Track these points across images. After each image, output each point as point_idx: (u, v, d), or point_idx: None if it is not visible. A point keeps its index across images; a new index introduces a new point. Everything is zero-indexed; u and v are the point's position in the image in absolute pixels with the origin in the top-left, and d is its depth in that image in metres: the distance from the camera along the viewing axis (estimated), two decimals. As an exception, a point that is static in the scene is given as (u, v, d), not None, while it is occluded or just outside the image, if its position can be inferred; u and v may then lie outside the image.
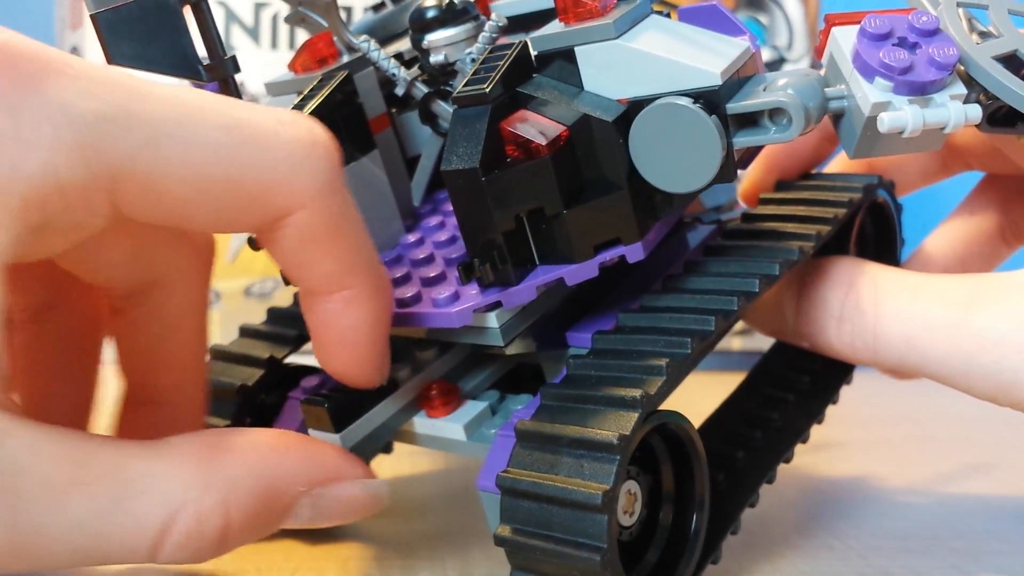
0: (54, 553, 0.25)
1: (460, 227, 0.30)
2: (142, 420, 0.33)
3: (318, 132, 0.28)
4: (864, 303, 0.34)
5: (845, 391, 0.40)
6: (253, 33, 0.77)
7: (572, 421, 0.28)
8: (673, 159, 0.29)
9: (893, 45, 0.29)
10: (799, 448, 0.37)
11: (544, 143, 0.29)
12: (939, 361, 0.32)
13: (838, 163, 0.43)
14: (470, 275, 0.30)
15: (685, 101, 0.28)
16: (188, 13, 0.30)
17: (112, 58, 0.29)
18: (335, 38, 0.36)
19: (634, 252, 0.30)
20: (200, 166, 0.26)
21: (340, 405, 0.33)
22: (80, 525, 0.25)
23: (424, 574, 0.33)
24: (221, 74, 0.31)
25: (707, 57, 0.29)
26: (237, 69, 0.31)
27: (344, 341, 0.30)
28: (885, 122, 0.29)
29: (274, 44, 0.78)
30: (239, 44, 0.76)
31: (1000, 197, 0.39)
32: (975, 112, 0.29)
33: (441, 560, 0.34)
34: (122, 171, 0.25)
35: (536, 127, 0.29)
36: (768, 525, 0.38)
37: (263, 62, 0.77)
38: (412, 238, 0.35)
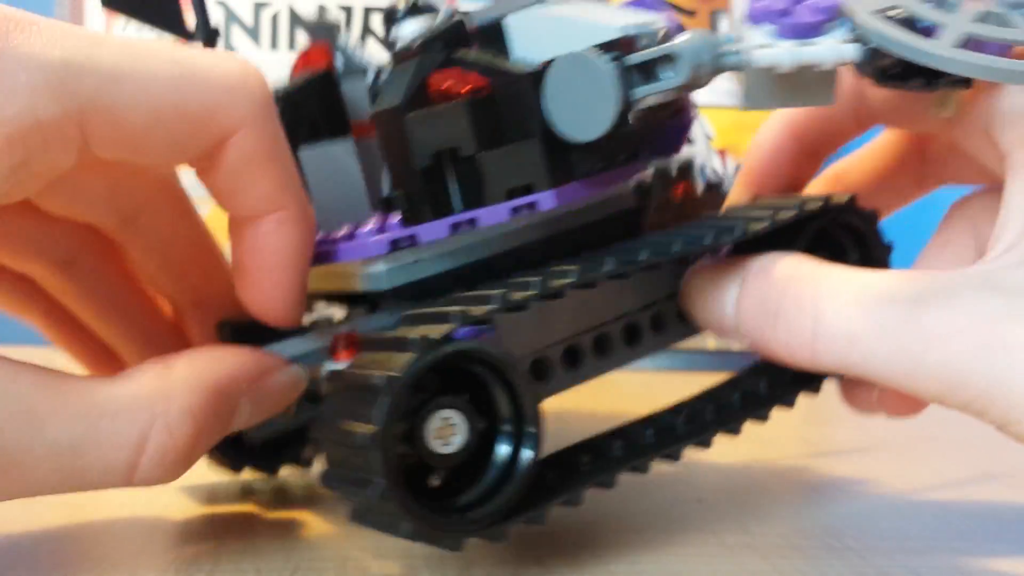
0: (35, 476, 0.28)
1: (388, 168, 0.34)
2: (193, 323, 0.39)
3: (251, 67, 0.32)
4: (803, 300, 0.32)
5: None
6: (253, 33, 0.77)
7: (368, 366, 0.30)
8: (576, 108, 0.32)
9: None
10: (799, 448, 0.37)
11: (463, 89, 0.32)
12: (884, 361, 0.30)
13: (817, 184, 0.42)
14: (390, 207, 0.34)
15: (585, 51, 0.31)
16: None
17: (104, 1, 0.34)
18: (336, 51, 0.38)
19: (545, 200, 0.33)
20: (153, 97, 0.30)
21: (245, 329, 0.35)
22: (59, 447, 0.28)
23: (424, 574, 0.33)
24: (203, 38, 0.35)
25: (614, 18, 0.33)
26: (217, 37, 0.36)
27: (271, 266, 0.33)
28: (758, 57, 0.30)
29: (274, 44, 0.79)
30: (239, 44, 0.77)
31: (971, 223, 0.38)
32: (851, 51, 0.29)
33: (441, 560, 0.34)
34: (89, 106, 0.28)
35: (459, 79, 0.33)
36: (767, 525, 0.38)
37: (263, 62, 0.78)
38: (373, 223, 0.36)
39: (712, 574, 0.33)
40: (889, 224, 0.40)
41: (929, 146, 0.40)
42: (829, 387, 0.39)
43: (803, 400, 0.38)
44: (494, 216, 0.33)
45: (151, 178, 0.37)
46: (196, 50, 0.32)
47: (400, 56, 0.34)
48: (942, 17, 0.29)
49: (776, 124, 0.41)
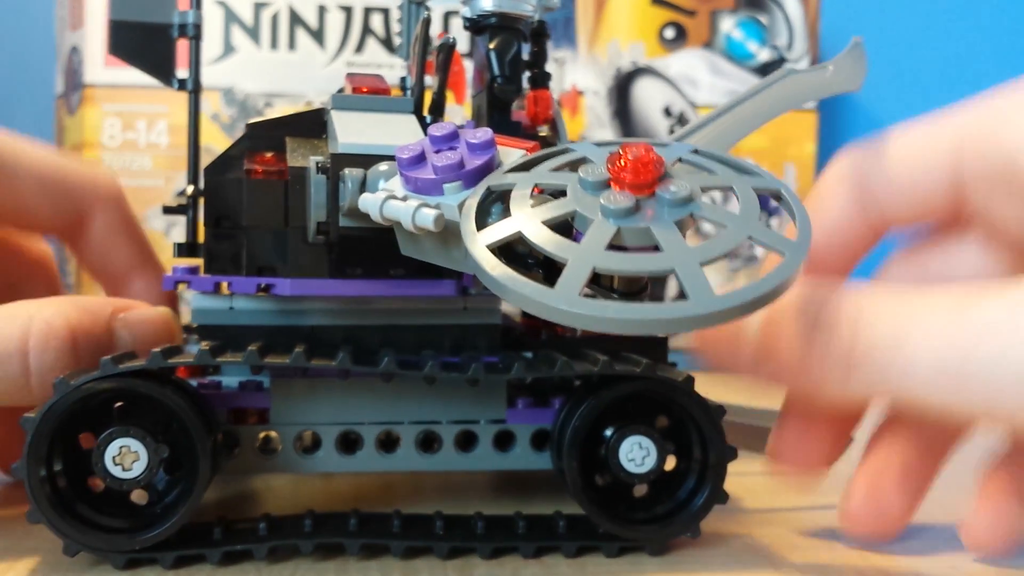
0: None
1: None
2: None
3: (109, 171, 0.43)
4: (841, 313, 0.29)
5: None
6: (253, 33, 0.77)
7: None
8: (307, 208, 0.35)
9: (448, 148, 0.31)
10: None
11: (254, 169, 0.36)
12: (928, 366, 0.27)
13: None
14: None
15: (312, 161, 0.34)
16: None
17: (111, 50, 0.38)
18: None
19: (281, 286, 0.36)
20: (42, 171, 0.40)
21: None
22: None
23: (424, 574, 0.33)
24: (191, 89, 0.39)
25: (359, 132, 0.35)
26: (200, 91, 0.40)
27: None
28: (361, 200, 0.31)
29: (274, 44, 0.78)
30: (239, 44, 0.76)
31: (920, 269, 0.36)
32: (425, 217, 0.29)
33: (441, 560, 0.34)
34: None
35: (264, 162, 0.36)
36: (768, 525, 0.38)
37: (262, 61, 0.78)
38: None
39: (712, 574, 0.33)
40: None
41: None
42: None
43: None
44: (242, 286, 0.36)
45: (88, 186, 0.42)
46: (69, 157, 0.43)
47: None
48: (566, 252, 0.27)
49: None
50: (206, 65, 0.77)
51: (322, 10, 0.78)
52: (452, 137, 0.31)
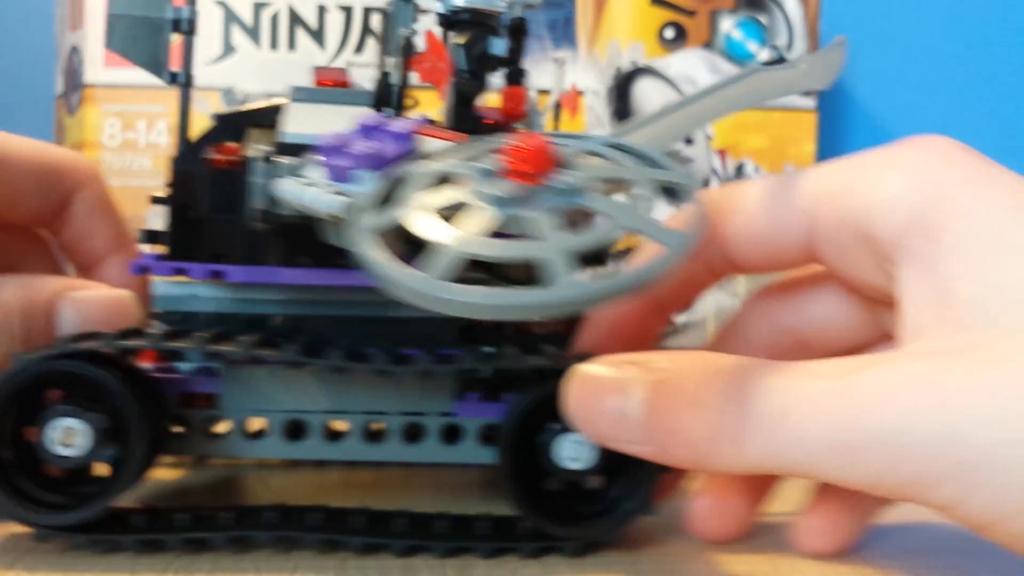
0: None
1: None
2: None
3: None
4: (730, 387, 0.29)
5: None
6: (253, 33, 0.77)
7: None
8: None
9: (373, 138, 0.31)
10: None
11: (215, 158, 0.37)
12: (816, 438, 0.28)
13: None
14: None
15: (258, 150, 0.35)
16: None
17: (108, 43, 0.39)
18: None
19: (234, 272, 0.36)
20: (28, 156, 0.41)
21: None
22: None
23: (424, 574, 0.33)
24: (183, 83, 0.40)
25: (309, 124, 0.35)
26: (192, 84, 0.41)
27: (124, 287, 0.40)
28: (277, 187, 0.32)
29: (274, 44, 0.78)
30: (239, 44, 0.76)
31: (768, 318, 0.37)
32: (331, 204, 0.30)
33: (441, 561, 0.34)
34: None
35: (224, 152, 0.37)
36: (767, 525, 0.38)
37: (262, 61, 0.77)
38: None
39: (712, 574, 0.33)
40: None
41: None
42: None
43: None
44: (196, 272, 0.37)
45: (67, 170, 0.44)
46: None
47: None
48: (442, 237, 0.27)
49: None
50: (206, 65, 0.77)
51: (322, 10, 0.78)
52: (377, 127, 0.32)
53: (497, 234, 0.27)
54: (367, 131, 0.32)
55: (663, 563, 0.34)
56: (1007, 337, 0.27)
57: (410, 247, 0.29)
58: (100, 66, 0.79)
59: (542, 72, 0.96)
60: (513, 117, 0.41)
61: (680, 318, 0.82)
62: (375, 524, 0.35)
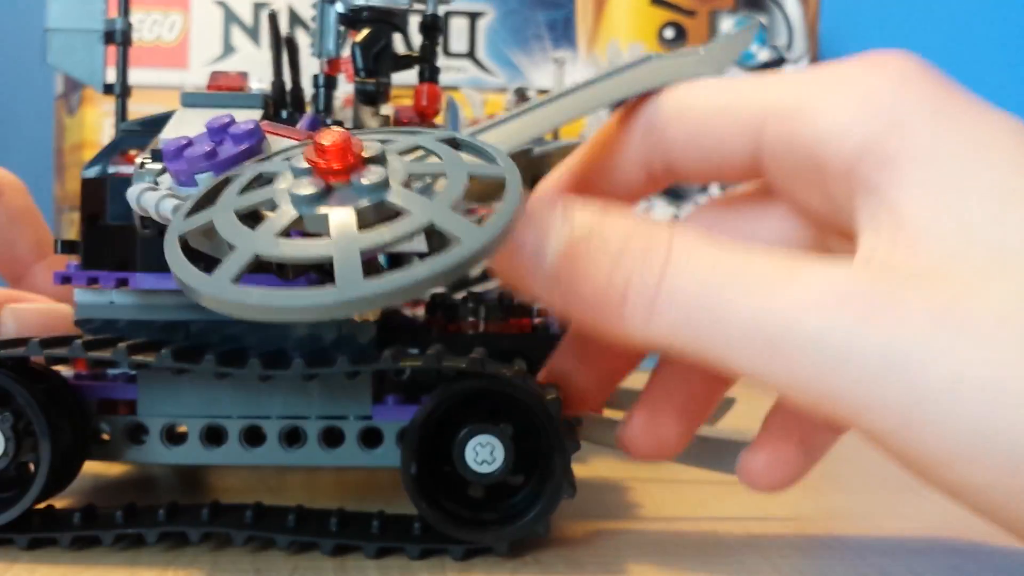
0: None
1: None
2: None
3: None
4: (653, 251, 0.27)
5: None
6: (252, 33, 0.77)
7: None
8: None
9: (219, 139, 0.31)
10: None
11: (118, 169, 0.37)
12: (743, 327, 0.26)
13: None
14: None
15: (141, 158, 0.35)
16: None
17: (47, 58, 0.40)
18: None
19: (139, 279, 0.37)
20: None
21: None
22: None
23: (423, 574, 0.33)
24: (118, 93, 0.41)
25: (186, 130, 0.35)
26: (128, 94, 0.42)
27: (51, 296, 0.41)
28: (128, 192, 0.32)
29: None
30: (239, 44, 0.76)
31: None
32: (166, 207, 0.30)
33: (441, 561, 0.34)
34: None
35: (129, 163, 0.38)
36: (767, 524, 0.38)
37: (262, 61, 0.78)
38: None
39: (712, 574, 0.33)
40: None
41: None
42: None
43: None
44: (107, 281, 0.37)
45: None
46: None
47: None
48: (237, 239, 0.26)
49: (553, 182, 0.36)
50: (206, 65, 0.78)
51: (315, 4, 0.78)
52: (224, 128, 0.31)
53: (301, 233, 0.27)
54: (214, 132, 0.31)
55: (662, 562, 0.34)
56: (971, 272, 0.25)
57: (205, 251, 0.29)
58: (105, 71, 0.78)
59: (542, 72, 0.96)
60: (428, 115, 0.41)
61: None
62: (305, 521, 0.35)
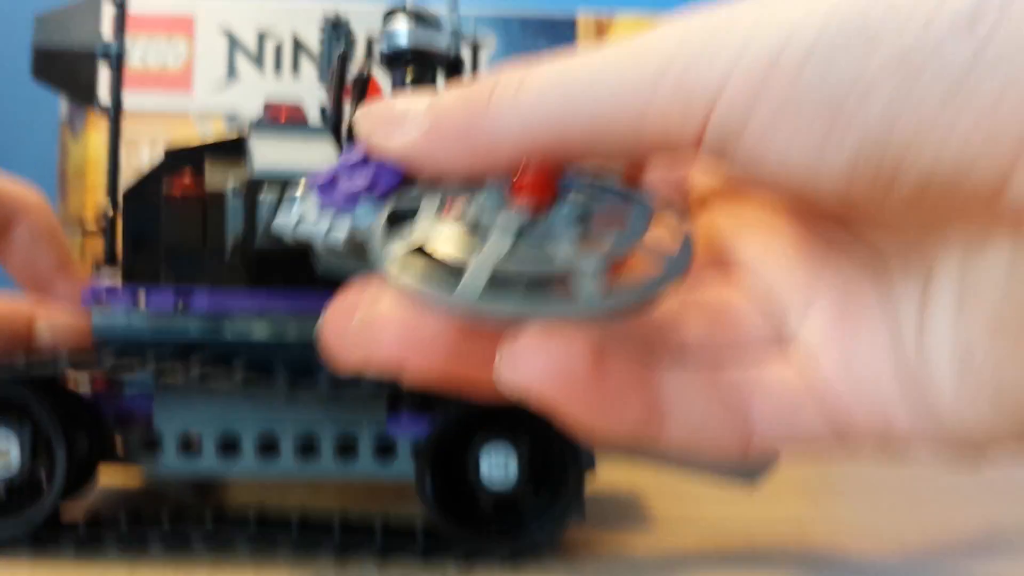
0: None
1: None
2: None
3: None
4: (513, 73, 0.27)
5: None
6: (257, 60, 0.78)
7: None
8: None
9: (360, 171, 0.31)
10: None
11: (173, 192, 0.38)
12: (585, 83, 0.25)
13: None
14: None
15: (230, 185, 0.37)
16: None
17: (34, 73, 0.41)
18: None
19: (200, 300, 0.37)
20: None
21: None
22: None
23: (423, 575, 0.33)
24: (112, 112, 0.42)
25: (275, 158, 0.37)
26: (121, 111, 0.43)
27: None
28: (275, 223, 0.32)
29: (278, 69, 0.79)
30: (243, 71, 0.77)
31: None
32: (335, 238, 0.30)
33: (441, 564, 0.34)
34: None
35: (180, 183, 0.38)
36: (767, 526, 0.38)
37: (266, 89, 0.78)
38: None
39: (712, 574, 0.33)
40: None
41: None
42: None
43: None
44: (160, 303, 0.38)
45: (9, 199, 0.46)
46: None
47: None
48: (467, 257, 0.27)
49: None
50: (211, 92, 0.78)
51: (321, 36, 0.79)
52: (364, 161, 0.32)
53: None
54: (352, 164, 0.32)
55: (662, 563, 0.34)
56: None
57: (431, 269, 0.30)
58: (104, 90, 0.79)
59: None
60: None
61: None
62: (307, 526, 0.35)
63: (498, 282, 0.27)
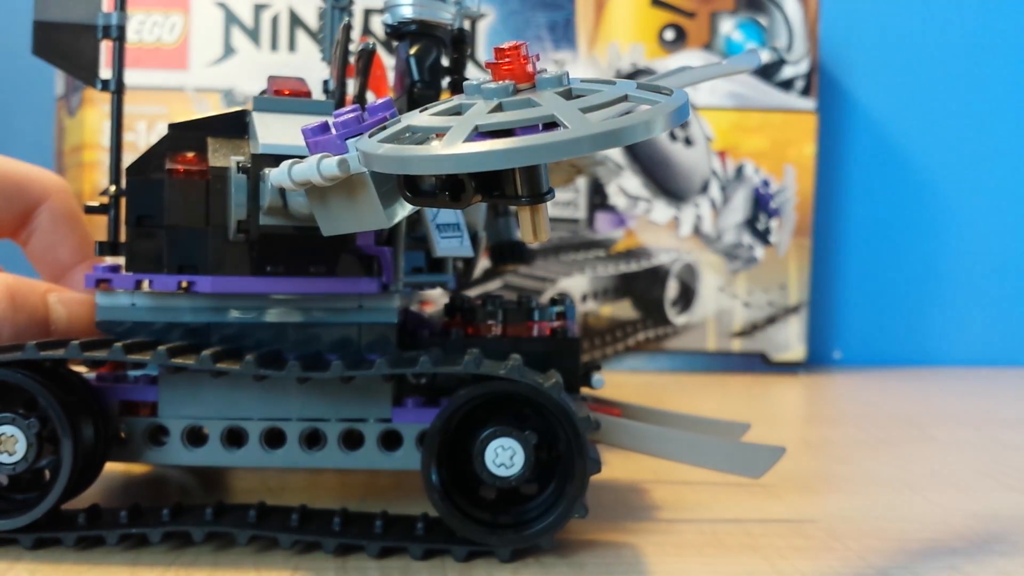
0: None
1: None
2: None
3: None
4: None
5: (844, 390, 0.40)
6: (253, 35, 0.77)
7: None
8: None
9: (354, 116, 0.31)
10: (799, 448, 0.37)
11: (176, 168, 0.37)
12: None
13: None
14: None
15: (233, 161, 0.36)
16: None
17: (35, 50, 0.40)
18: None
19: (202, 283, 0.36)
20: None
21: None
22: None
23: (423, 574, 0.33)
24: (114, 89, 0.41)
25: (279, 133, 0.36)
26: (123, 91, 0.41)
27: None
28: (272, 175, 0.32)
29: (274, 46, 0.79)
30: (239, 46, 0.76)
31: None
32: (329, 165, 0.30)
33: (441, 561, 0.34)
34: None
35: (185, 161, 0.37)
36: (767, 525, 0.38)
37: (263, 63, 0.78)
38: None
39: (712, 574, 0.33)
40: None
41: None
42: (830, 388, 0.38)
43: (803, 401, 0.38)
44: (163, 284, 0.37)
45: (30, 189, 0.46)
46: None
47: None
48: (449, 121, 0.28)
49: None
50: (206, 67, 0.78)
51: (322, 11, 0.78)
52: (353, 111, 0.32)
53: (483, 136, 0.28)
54: (342, 115, 0.32)
55: (663, 563, 0.34)
56: None
57: (430, 192, 0.30)
58: (100, 68, 0.79)
59: (542, 74, 0.97)
60: None
61: (679, 319, 0.82)
62: (308, 521, 0.35)
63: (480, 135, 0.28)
